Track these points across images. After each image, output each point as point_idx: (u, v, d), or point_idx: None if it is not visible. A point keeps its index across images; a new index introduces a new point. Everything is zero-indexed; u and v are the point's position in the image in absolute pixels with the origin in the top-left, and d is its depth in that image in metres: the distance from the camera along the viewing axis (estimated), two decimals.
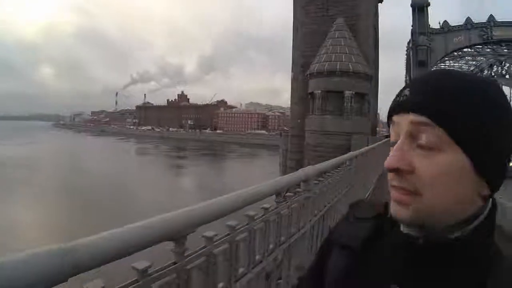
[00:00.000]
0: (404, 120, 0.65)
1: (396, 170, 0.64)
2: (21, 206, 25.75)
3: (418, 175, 0.62)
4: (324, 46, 23.76)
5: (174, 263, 1.83)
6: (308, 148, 23.18)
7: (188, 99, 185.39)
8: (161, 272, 1.76)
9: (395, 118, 0.68)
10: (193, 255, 1.97)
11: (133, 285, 1.59)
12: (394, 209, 0.65)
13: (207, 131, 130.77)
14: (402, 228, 0.68)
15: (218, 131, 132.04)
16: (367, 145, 10.33)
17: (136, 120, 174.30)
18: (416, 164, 0.62)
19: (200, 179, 41.98)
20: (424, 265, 0.64)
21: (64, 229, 17.25)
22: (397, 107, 0.68)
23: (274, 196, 2.90)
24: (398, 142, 0.65)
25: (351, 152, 5.89)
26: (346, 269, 0.74)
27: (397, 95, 0.69)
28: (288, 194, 2.96)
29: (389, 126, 0.71)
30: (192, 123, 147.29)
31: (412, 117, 0.64)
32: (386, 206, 0.77)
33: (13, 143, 77.34)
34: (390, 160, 0.64)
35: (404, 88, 0.68)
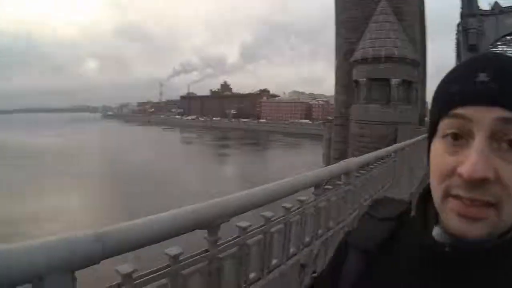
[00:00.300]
0: (485, 115, 0.52)
1: (483, 180, 0.51)
2: (81, 192, 27.67)
3: (504, 184, 0.51)
4: (368, 31, 22.79)
5: (207, 251, 1.86)
6: (353, 138, 22.57)
7: (231, 88, 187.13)
8: (193, 259, 1.79)
9: (463, 110, 0.54)
10: (226, 244, 1.99)
11: (165, 270, 1.63)
12: (462, 226, 0.54)
13: (250, 120, 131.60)
14: (434, 233, 0.60)
15: (261, 120, 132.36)
16: (415, 136, 9.90)
17: (181, 110, 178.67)
18: (501, 171, 0.52)
19: (243, 169, 42.45)
20: (449, 268, 0.57)
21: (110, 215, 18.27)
22: (466, 97, 0.54)
23: (312, 189, 2.86)
24: (478, 144, 0.52)
25: (396, 144, 5.68)
26: (362, 270, 0.68)
27: (464, 79, 0.56)
28: (327, 186, 2.89)
29: (438, 119, 0.59)
30: (235, 112, 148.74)
31: (501, 112, 0.52)
32: (409, 205, 0.71)
33: (69, 132, 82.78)
34: (476, 168, 0.51)
35: (474, 71, 0.55)
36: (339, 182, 3.07)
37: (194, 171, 39.10)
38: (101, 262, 1.25)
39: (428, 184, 0.61)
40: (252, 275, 2.12)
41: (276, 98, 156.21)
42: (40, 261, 0.94)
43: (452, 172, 0.54)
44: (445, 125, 0.57)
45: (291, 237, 2.50)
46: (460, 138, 0.55)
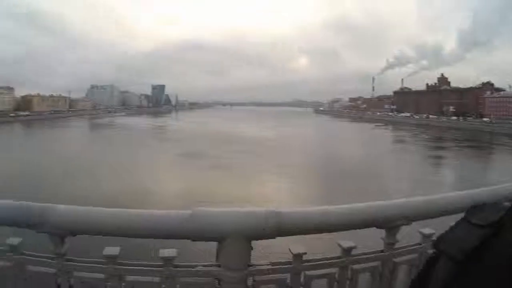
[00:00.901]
0: None
1: None
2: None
3: None
4: None
5: (382, 251, 1.81)
6: None
7: (449, 82, 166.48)
8: (365, 256, 1.79)
9: None
10: (404, 249, 1.89)
11: (335, 260, 1.70)
12: None
13: (471, 119, 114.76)
14: None
15: (484, 119, 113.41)
16: None
17: (394, 107, 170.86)
18: None
19: (457, 174, 37.88)
20: None
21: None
22: None
23: None
24: None
25: None
26: (449, 278, 0.66)
27: None
28: None
29: None
30: (453, 109, 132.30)
31: None
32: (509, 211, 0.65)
33: (288, 124, 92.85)
34: None
35: None
36: None
37: (403, 171, 37.52)
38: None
39: None
40: None
41: (502, 92, 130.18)
42: (224, 225, 1.18)
43: None
44: None
45: None
46: None
